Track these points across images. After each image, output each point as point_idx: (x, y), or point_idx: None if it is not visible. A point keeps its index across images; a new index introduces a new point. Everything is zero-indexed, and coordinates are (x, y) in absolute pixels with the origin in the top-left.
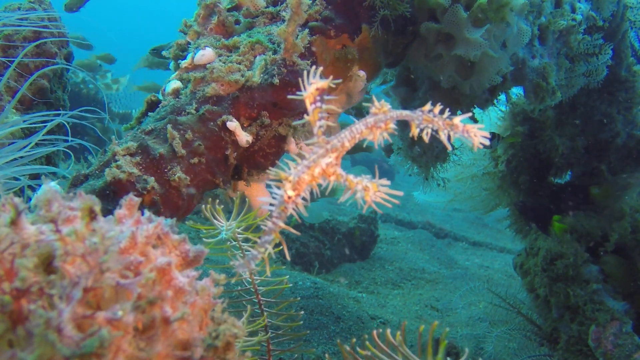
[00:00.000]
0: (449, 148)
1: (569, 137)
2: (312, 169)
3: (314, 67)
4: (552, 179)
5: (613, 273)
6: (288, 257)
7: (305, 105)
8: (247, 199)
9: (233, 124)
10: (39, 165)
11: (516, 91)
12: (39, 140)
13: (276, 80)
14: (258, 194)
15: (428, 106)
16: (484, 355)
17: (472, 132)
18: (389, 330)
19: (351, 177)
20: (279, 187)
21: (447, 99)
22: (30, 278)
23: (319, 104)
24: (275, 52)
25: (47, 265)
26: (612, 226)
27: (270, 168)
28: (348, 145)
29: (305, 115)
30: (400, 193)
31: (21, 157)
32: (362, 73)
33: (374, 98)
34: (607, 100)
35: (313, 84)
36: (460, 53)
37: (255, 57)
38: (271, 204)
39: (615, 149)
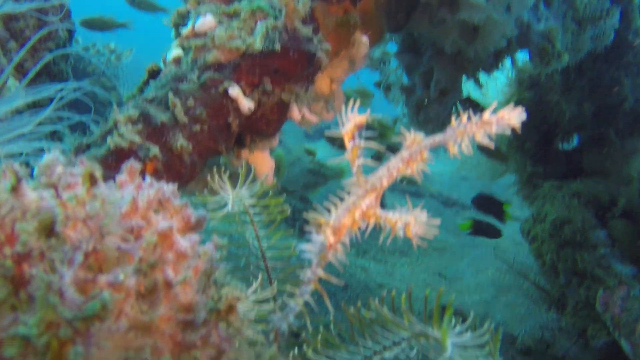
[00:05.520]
0: (492, 147)
1: (576, 102)
2: (352, 212)
3: (352, 99)
4: (559, 144)
5: (621, 238)
6: (331, 309)
7: (344, 140)
8: (251, 167)
9: (235, 91)
10: (43, 139)
11: (522, 57)
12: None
13: (277, 47)
14: (262, 161)
15: (454, 121)
16: (492, 322)
17: (505, 117)
18: (394, 291)
19: (390, 215)
20: (317, 233)
21: (452, 64)
22: (31, 241)
23: (357, 140)
24: (276, 18)
25: (49, 231)
26: (619, 191)
27: (308, 216)
28: (386, 184)
29: (343, 155)
30: (437, 221)
31: (30, 132)
32: (364, 39)
33: (404, 130)
34: (615, 65)
35: (351, 119)
36: (464, 17)
37: (256, 23)
38: (309, 251)
39: (623, 114)
